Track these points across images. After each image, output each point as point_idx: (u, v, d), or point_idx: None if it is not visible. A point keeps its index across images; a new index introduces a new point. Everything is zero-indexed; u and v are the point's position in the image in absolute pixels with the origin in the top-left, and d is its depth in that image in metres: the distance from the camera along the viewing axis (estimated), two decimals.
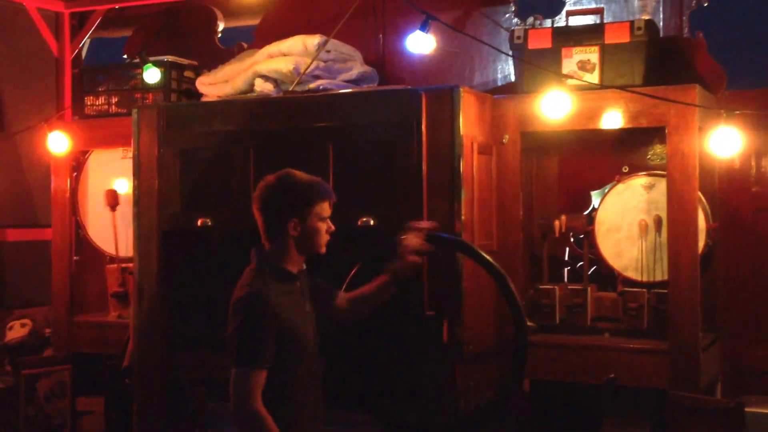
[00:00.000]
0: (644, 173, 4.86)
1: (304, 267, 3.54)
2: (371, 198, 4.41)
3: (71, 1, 6.36)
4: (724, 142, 4.47)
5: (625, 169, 4.93)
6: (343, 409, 4.19)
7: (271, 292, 3.32)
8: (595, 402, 4.70)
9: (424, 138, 4.33)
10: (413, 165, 4.35)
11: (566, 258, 5.19)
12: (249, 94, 5.23)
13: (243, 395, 3.21)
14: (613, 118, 4.54)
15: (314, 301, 3.56)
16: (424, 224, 3.76)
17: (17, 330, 5.72)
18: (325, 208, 3.49)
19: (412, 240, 3.64)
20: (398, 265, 3.62)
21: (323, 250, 3.51)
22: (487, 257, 3.88)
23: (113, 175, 5.59)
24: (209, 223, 4.66)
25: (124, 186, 5.49)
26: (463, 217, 4.32)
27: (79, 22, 6.53)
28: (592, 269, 4.99)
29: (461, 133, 4.33)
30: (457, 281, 4.31)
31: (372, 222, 4.36)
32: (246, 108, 4.77)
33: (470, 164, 4.44)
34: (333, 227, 3.52)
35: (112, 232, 5.51)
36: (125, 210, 5.28)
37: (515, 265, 4.69)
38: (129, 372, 4.81)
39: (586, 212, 5.03)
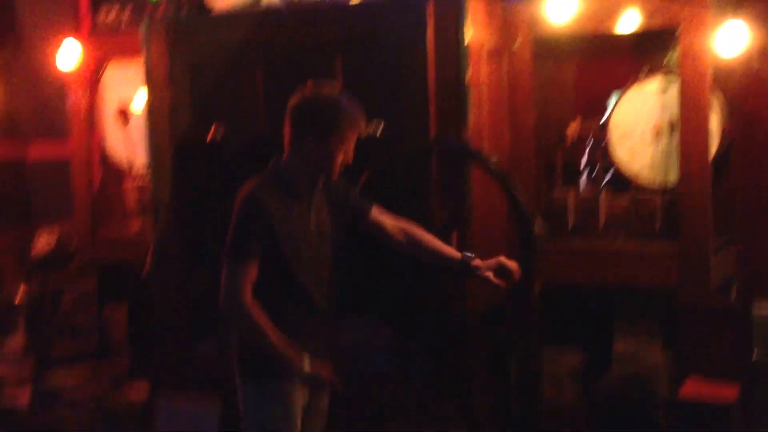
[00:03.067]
0: (658, 76, 4.78)
1: (321, 185, 3.53)
2: (380, 109, 4.40)
3: None
4: (735, 36, 4.35)
5: (643, 73, 4.86)
6: (356, 315, 4.30)
7: (269, 198, 3.36)
8: (606, 305, 4.74)
9: (431, 46, 4.31)
10: (421, 74, 4.34)
11: (582, 165, 5.17)
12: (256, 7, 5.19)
13: (230, 288, 3.32)
14: (627, 19, 4.46)
15: (335, 215, 3.59)
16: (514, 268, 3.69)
17: (44, 244, 5.86)
18: (350, 140, 3.45)
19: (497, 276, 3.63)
20: (480, 271, 3.62)
21: (334, 177, 3.49)
22: (492, 161, 3.91)
23: (131, 88, 5.59)
24: (219, 137, 4.70)
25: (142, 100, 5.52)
26: (471, 125, 4.33)
27: None
28: (609, 175, 4.98)
29: (469, 39, 4.30)
30: (466, 190, 4.34)
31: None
32: (253, 20, 4.74)
33: (479, 71, 4.41)
34: (351, 159, 3.48)
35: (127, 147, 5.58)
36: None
37: (528, 172, 4.69)
38: (149, 282, 4.95)
39: (603, 118, 4.99)
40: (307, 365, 3.38)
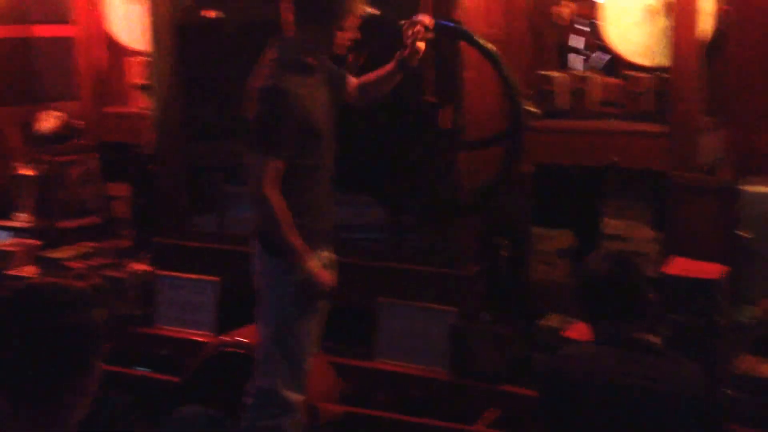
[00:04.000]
0: None
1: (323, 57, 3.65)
2: None
3: None
4: None
5: None
6: (351, 192, 4.42)
7: (290, 85, 3.46)
8: (596, 185, 4.82)
9: None
10: None
11: (576, 45, 5.19)
12: None
13: (259, 181, 3.42)
14: None
15: (331, 88, 3.71)
16: (424, 17, 3.82)
17: (50, 121, 5.94)
18: (353, 21, 3.57)
19: (415, 27, 3.73)
20: (404, 53, 3.73)
21: (342, 52, 3.63)
22: (484, 42, 3.96)
23: None
24: (221, 15, 4.74)
25: None
26: (463, 4, 4.35)
27: None
28: (602, 56, 5.00)
29: None
30: (458, 68, 4.39)
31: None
32: None
33: None
34: (358, 35, 3.60)
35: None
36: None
37: (521, 53, 4.72)
38: (151, 159, 5.06)
39: None
40: (310, 269, 3.48)
